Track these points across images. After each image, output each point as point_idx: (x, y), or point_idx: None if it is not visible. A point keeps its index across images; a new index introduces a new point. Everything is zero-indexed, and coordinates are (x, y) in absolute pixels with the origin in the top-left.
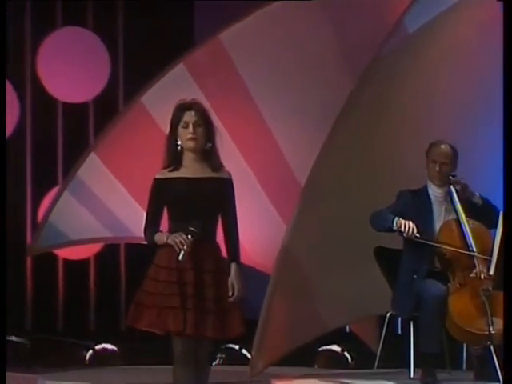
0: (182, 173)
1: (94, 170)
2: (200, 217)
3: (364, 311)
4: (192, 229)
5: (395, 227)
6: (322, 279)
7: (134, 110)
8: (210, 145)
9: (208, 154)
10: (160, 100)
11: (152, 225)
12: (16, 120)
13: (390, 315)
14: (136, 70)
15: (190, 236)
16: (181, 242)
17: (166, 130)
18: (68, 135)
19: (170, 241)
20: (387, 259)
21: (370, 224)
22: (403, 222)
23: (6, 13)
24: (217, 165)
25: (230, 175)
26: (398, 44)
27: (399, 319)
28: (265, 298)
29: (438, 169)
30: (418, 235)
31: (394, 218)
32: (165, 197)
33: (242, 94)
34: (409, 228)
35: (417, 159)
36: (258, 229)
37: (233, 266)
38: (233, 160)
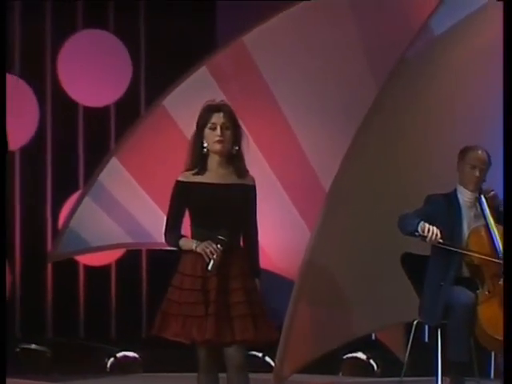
0: (207, 177)
1: (115, 174)
2: (223, 224)
3: (390, 319)
4: (221, 238)
5: (419, 231)
6: (347, 286)
7: (155, 114)
8: (237, 148)
9: (234, 158)
10: (182, 103)
11: (173, 228)
12: (36, 124)
13: (417, 322)
14: (158, 72)
15: (219, 245)
16: (211, 252)
17: (189, 133)
18: (89, 140)
19: (199, 249)
20: (414, 266)
21: (398, 227)
22: (427, 226)
23: (7, 13)
24: (242, 170)
25: (254, 181)
26: (423, 46)
27: (426, 326)
28: (289, 304)
29: (477, 174)
30: (441, 241)
31: (418, 222)
32: (187, 201)
33: (266, 96)
34: (432, 233)
35: (441, 163)
36: (282, 234)
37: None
38: (256, 164)
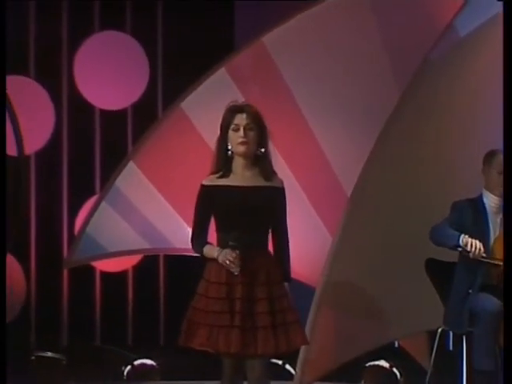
0: (232, 180)
1: (132, 179)
2: (250, 228)
3: (414, 327)
4: (232, 243)
5: (461, 245)
6: (369, 292)
7: (173, 117)
8: (263, 150)
9: (260, 160)
10: (200, 106)
11: (199, 235)
12: (52, 128)
13: (442, 330)
14: (175, 74)
15: (236, 252)
16: (231, 262)
17: (207, 136)
18: (105, 143)
19: (220, 260)
20: (438, 272)
21: (430, 238)
22: (470, 240)
23: (6, 13)
24: (269, 173)
25: (282, 183)
26: (447, 47)
27: (451, 334)
28: (310, 311)
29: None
30: (484, 255)
31: (459, 236)
32: (212, 205)
33: (286, 99)
34: (475, 248)
35: (464, 166)
36: (303, 239)
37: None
38: (276, 167)
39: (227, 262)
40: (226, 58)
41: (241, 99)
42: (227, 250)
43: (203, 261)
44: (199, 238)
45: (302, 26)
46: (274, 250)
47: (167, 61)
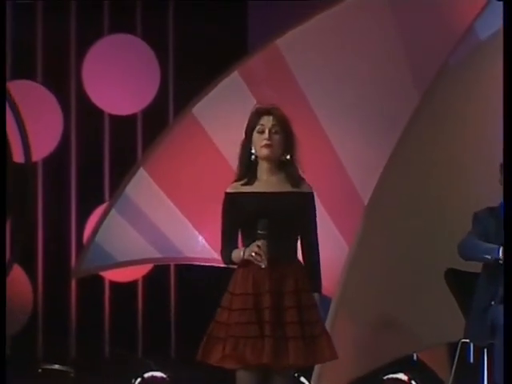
0: (257, 187)
1: (142, 186)
2: (278, 236)
3: (434, 339)
4: (261, 232)
5: (501, 258)
6: (387, 303)
7: (184, 122)
8: (288, 157)
9: (286, 165)
10: (212, 111)
11: (228, 245)
12: (60, 134)
13: (463, 342)
14: (187, 78)
15: (262, 241)
16: (257, 253)
17: (219, 142)
18: (115, 149)
19: (246, 256)
20: (459, 282)
21: (459, 254)
22: None
23: (11, 14)
24: (296, 179)
25: (311, 188)
26: (468, 50)
27: (471, 346)
28: (326, 322)
29: None
30: None
31: (498, 249)
32: (238, 213)
33: (300, 103)
34: None
35: (484, 174)
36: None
37: (315, 296)
38: None
39: (253, 254)
40: (239, 61)
41: (254, 104)
42: (252, 244)
43: (231, 272)
44: (228, 248)
45: (317, 27)
46: (303, 258)
47: (178, 64)
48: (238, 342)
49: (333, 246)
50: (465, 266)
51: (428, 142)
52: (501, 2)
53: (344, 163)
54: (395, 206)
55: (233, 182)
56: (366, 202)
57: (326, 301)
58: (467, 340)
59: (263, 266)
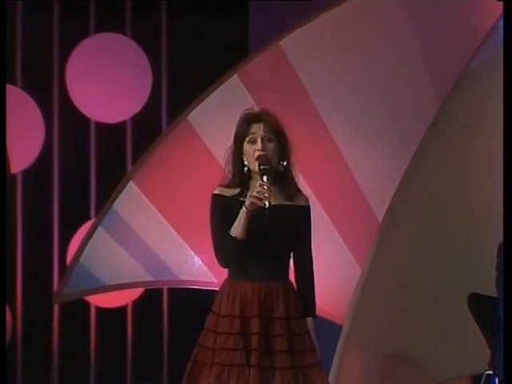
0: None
1: (132, 201)
2: (268, 255)
3: (456, 370)
4: (263, 167)
5: None
6: (404, 331)
7: (179, 131)
8: (284, 164)
9: (281, 176)
10: (210, 118)
11: (223, 240)
12: (41, 143)
13: (487, 374)
14: (182, 82)
15: (265, 177)
16: (263, 189)
17: (218, 153)
18: (102, 161)
19: (248, 203)
20: (483, 309)
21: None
22: None
23: (6, 13)
24: (292, 190)
25: (307, 201)
26: (491, 52)
27: (497, 379)
28: (336, 353)
29: None
30: None
31: None
32: (228, 219)
33: (307, 110)
34: None
35: None
36: (328, 271)
37: (308, 321)
38: None
39: (255, 193)
40: (240, 63)
41: (257, 109)
42: (257, 185)
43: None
44: (223, 241)
45: (326, 27)
46: (295, 279)
47: (172, 67)
48: (223, 369)
49: (343, 267)
50: (489, 291)
51: (449, 152)
52: None
53: (355, 176)
54: (413, 224)
55: (219, 186)
56: (380, 219)
57: (336, 328)
58: (492, 372)
59: (266, 205)
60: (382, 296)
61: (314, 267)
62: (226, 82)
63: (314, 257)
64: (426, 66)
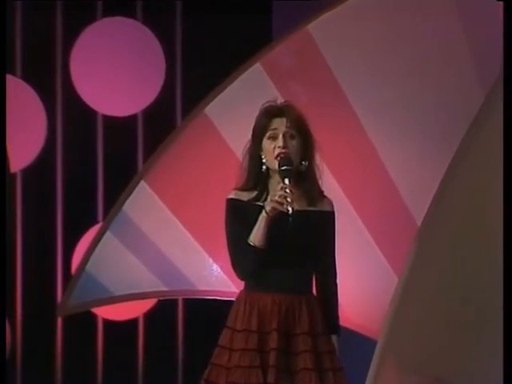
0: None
1: (144, 203)
2: (289, 266)
3: None
4: (284, 168)
5: None
6: (444, 346)
7: (195, 125)
8: (307, 164)
9: (303, 177)
10: (230, 111)
11: (241, 250)
12: (43, 139)
13: None
14: (198, 72)
15: (287, 180)
16: (286, 193)
17: (238, 150)
18: (111, 158)
19: (269, 208)
20: None
21: None
22: None
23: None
24: (315, 194)
25: (331, 206)
26: None
27: None
28: (370, 369)
29: None
30: None
31: None
32: (245, 225)
33: (337, 101)
34: None
35: None
36: (360, 281)
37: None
38: (326, 189)
39: (277, 198)
40: (262, 50)
41: (280, 101)
42: (278, 188)
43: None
44: (241, 253)
45: (361, 11)
46: (317, 292)
47: (188, 55)
48: None
49: (378, 276)
50: None
51: (493, 150)
52: None
53: (392, 176)
54: (455, 229)
55: (235, 189)
56: (418, 222)
57: (369, 343)
58: None
59: (290, 211)
60: (421, 307)
61: (345, 275)
62: (248, 71)
63: (344, 264)
64: (472, 60)
